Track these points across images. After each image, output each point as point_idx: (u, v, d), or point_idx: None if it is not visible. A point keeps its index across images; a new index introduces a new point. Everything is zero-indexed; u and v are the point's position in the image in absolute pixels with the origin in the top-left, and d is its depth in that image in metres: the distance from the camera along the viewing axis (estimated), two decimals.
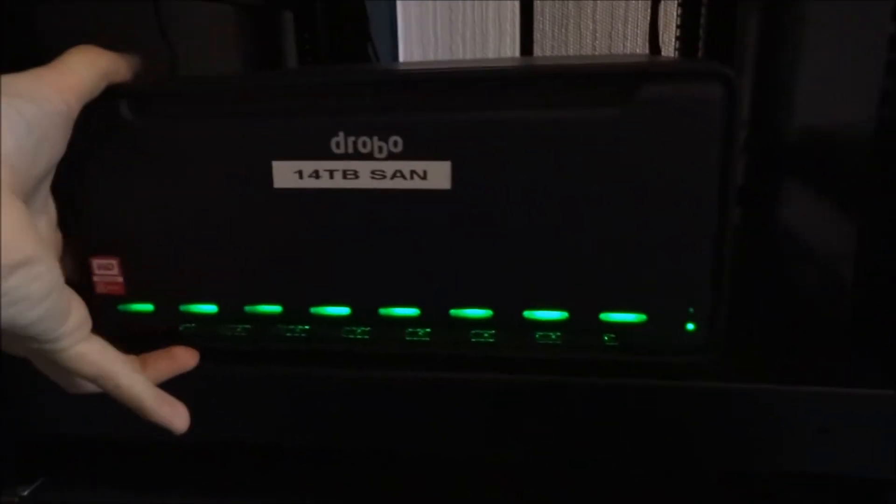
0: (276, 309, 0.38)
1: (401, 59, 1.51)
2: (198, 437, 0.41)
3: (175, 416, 0.33)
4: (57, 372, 0.32)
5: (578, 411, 0.37)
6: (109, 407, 0.41)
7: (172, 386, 0.39)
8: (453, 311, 0.37)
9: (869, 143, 0.41)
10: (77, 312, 0.28)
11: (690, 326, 0.35)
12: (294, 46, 0.83)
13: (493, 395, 0.38)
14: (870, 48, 0.40)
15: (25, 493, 0.45)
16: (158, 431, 0.42)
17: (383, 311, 0.37)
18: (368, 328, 0.38)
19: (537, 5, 1.41)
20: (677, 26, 0.67)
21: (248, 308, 0.38)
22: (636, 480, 0.42)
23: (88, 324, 0.29)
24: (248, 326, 0.38)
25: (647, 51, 0.69)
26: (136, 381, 0.31)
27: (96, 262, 0.37)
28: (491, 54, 1.60)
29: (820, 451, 0.36)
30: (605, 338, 0.36)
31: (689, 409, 0.36)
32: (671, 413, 0.37)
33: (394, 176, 0.34)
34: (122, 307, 0.39)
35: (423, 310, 0.37)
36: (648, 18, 0.63)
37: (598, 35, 1.47)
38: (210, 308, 0.39)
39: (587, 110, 0.32)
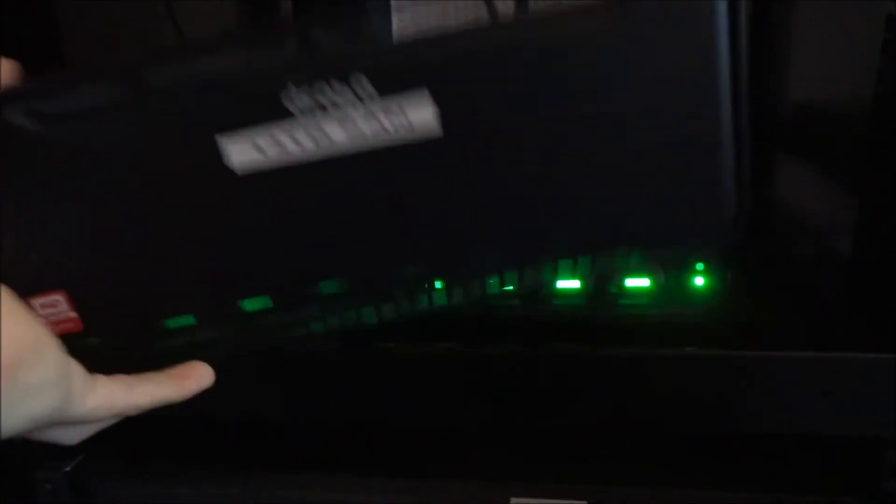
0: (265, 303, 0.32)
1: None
2: (233, 413, 0.43)
3: (201, 380, 0.31)
4: (57, 432, 0.28)
5: (588, 377, 0.40)
6: None
7: None
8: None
9: (865, 117, 0.43)
10: (76, 366, 0.25)
11: (700, 282, 0.37)
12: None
13: (516, 366, 0.40)
14: (867, 27, 0.42)
15: (68, 469, 0.47)
16: (193, 408, 0.44)
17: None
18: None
19: None
20: None
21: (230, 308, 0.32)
22: (642, 445, 0.44)
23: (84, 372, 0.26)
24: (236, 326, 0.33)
25: None
26: (148, 393, 0.29)
27: (38, 302, 0.30)
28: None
29: (824, 414, 0.38)
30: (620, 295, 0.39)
31: (696, 374, 0.38)
32: (679, 379, 0.39)
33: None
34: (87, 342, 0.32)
35: (446, 280, 0.33)
36: None
37: None
38: (188, 320, 0.32)
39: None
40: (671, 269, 0.39)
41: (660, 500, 0.41)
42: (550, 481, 0.42)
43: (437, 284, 0.33)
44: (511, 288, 0.39)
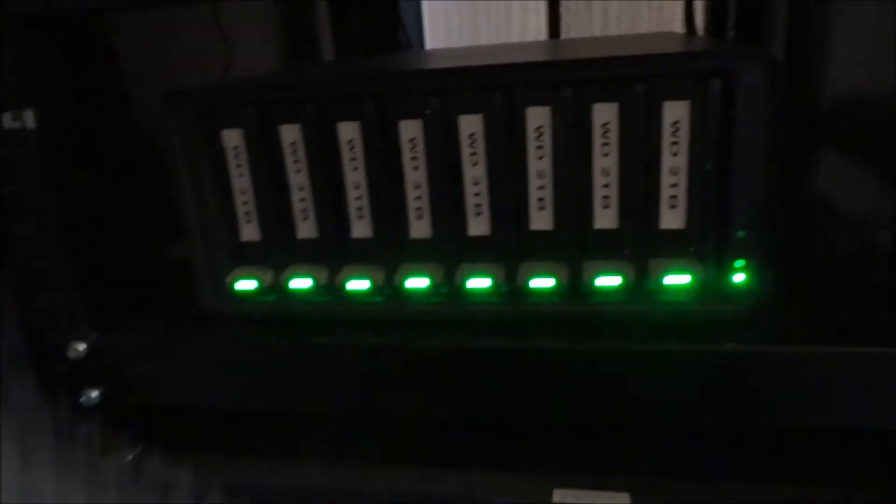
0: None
1: (427, 40, 1.52)
2: (287, 406, 0.45)
3: None
4: None
5: (625, 373, 0.40)
6: (205, 380, 0.46)
7: (249, 360, 0.43)
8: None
9: None
10: None
11: (741, 280, 0.38)
12: (329, 34, 0.86)
13: (557, 362, 0.41)
14: None
15: (129, 458, 0.49)
16: (249, 402, 0.46)
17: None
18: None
19: None
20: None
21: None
22: (684, 438, 0.45)
23: None
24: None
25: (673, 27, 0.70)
26: None
27: None
28: (515, 32, 1.60)
29: (868, 409, 0.38)
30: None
31: (737, 370, 0.39)
32: (720, 375, 0.39)
33: None
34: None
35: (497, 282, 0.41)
36: None
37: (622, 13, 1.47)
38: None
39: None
40: (711, 265, 0.39)
41: (703, 492, 0.41)
42: (593, 473, 0.43)
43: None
44: (554, 286, 0.40)
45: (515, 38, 1.55)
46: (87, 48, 0.48)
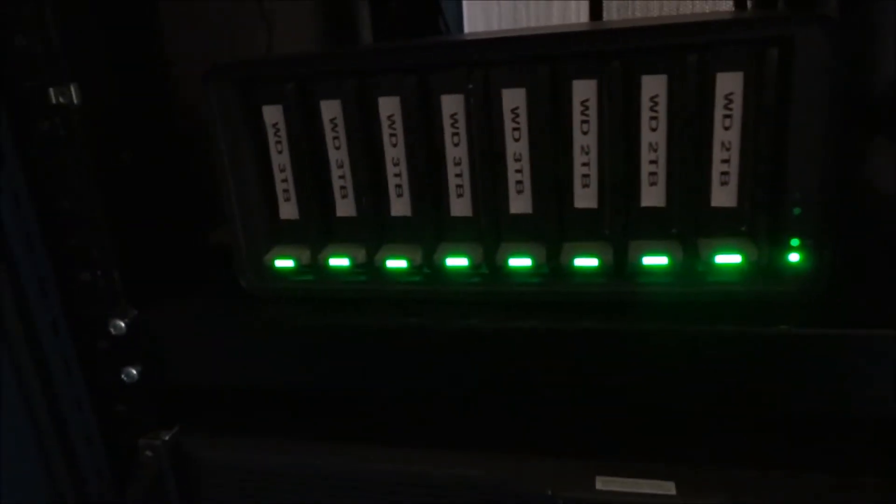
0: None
1: (465, 25, 1.52)
2: (325, 386, 0.45)
3: None
4: None
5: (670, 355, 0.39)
6: (241, 360, 0.46)
7: (287, 339, 0.43)
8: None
9: None
10: None
11: (796, 259, 0.36)
12: (369, 23, 0.86)
13: (601, 343, 0.40)
14: None
15: (167, 438, 0.49)
16: (280, 381, 0.46)
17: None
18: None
19: None
20: None
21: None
22: (732, 425, 0.43)
23: None
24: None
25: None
26: None
27: None
28: (556, 19, 1.59)
29: None
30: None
31: (789, 354, 0.37)
32: (771, 359, 0.37)
33: None
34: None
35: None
36: None
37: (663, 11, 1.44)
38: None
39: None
40: (764, 245, 0.38)
41: (751, 482, 0.40)
42: (637, 461, 0.41)
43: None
44: (598, 265, 0.39)
45: None
46: (129, 26, 0.48)
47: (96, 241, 0.46)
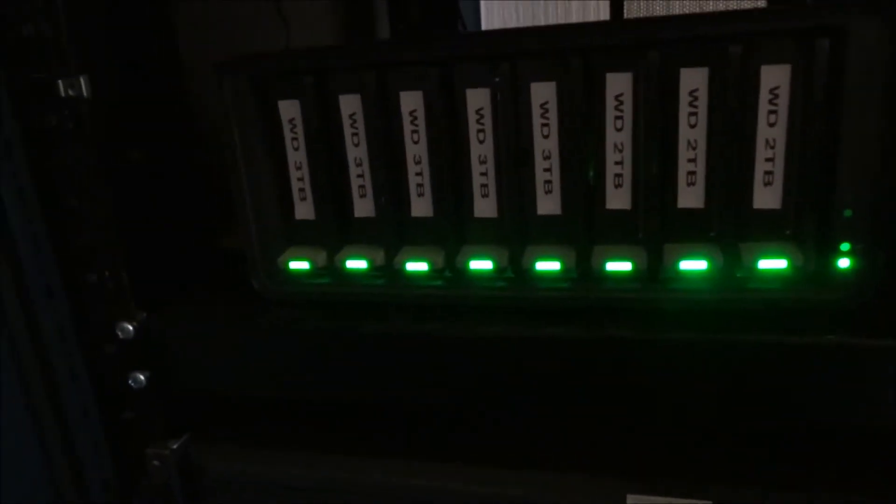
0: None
1: (482, 21, 1.50)
2: (341, 394, 0.43)
3: None
4: None
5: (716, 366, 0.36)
6: (253, 366, 0.44)
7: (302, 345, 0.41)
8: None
9: None
10: None
11: (846, 265, 0.34)
12: (387, 22, 0.84)
13: (633, 354, 0.37)
14: None
15: (175, 447, 0.47)
16: (293, 390, 0.43)
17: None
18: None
19: None
20: None
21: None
22: (775, 441, 0.41)
23: None
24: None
25: None
26: None
27: None
28: (575, 10, 1.56)
29: None
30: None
31: (837, 365, 0.35)
32: (817, 370, 0.35)
33: None
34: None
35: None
36: None
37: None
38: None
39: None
40: (811, 249, 0.35)
41: (793, 502, 0.37)
42: (670, 478, 0.39)
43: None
44: (630, 270, 0.37)
45: None
46: (142, 19, 0.47)
47: (104, 240, 0.44)
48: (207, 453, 0.48)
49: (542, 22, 1.57)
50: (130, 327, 0.45)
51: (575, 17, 1.54)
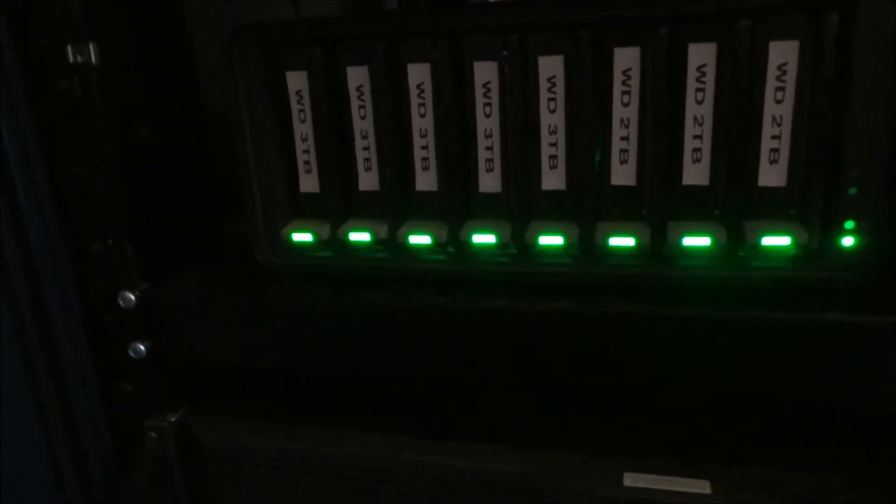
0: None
1: None
2: (341, 368, 0.43)
3: None
4: None
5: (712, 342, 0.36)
6: (253, 338, 0.43)
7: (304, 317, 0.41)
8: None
9: None
10: None
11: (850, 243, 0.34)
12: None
13: (635, 330, 0.37)
14: None
15: (173, 420, 0.47)
16: (294, 363, 0.43)
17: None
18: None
19: None
20: None
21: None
22: (773, 422, 0.41)
23: None
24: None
25: None
26: None
27: None
28: None
29: None
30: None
31: (839, 344, 0.34)
32: (819, 349, 0.35)
33: None
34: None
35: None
36: None
37: None
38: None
39: None
40: (816, 227, 0.35)
41: (792, 483, 0.37)
42: (667, 456, 0.39)
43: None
44: (634, 246, 0.37)
45: None
46: None
47: (109, 209, 0.44)
48: (206, 426, 0.48)
49: None
50: (132, 297, 0.45)
51: None
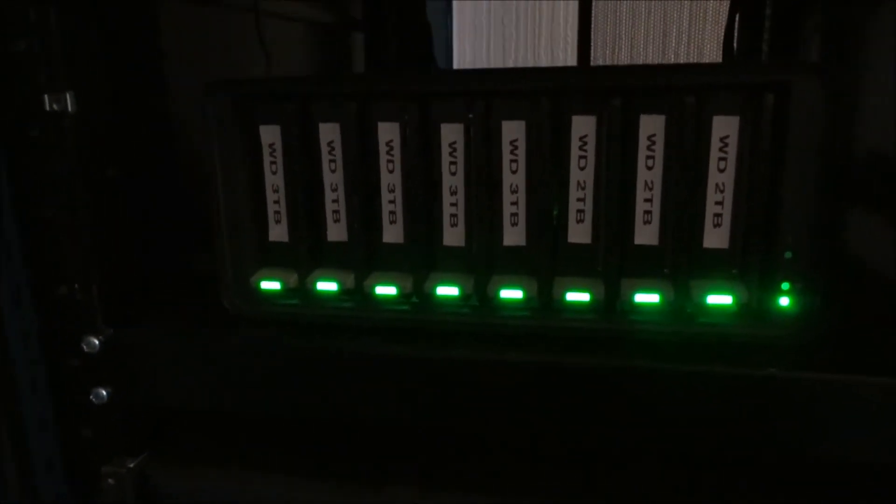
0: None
1: (455, 59, 1.55)
2: (306, 414, 0.43)
3: None
4: None
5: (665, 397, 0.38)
6: (219, 382, 0.44)
7: (270, 363, 0.41)
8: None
9: None
10: None
11: (786, 303, 0.36)
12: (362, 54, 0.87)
13: (590, 380, 0.39)
14: None
15: (131, 466, 0.47)
16: (259, 407, 0.44)
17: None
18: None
19: (595, 5, 1.40)
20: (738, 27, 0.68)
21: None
22: (717, 471, 0.43)
23: None
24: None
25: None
26: None
27: None
28: (543, 52, 1.62)
29: None
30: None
31: (777, 397, 0.37)
32: (759, 402, 0.37)
33: None
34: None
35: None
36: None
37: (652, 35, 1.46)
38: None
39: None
40: (755, 287, 0.38)
41: None
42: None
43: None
44: (589, 301, 0.39)
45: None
46: (131, 43, 0.48)
47: (77, 253, 0.44)
48: (164, 473, 0.47)
49: (511, 57, 1.62)
50: (96, 341, 0.45)
51: (542, 56, 1.60)
